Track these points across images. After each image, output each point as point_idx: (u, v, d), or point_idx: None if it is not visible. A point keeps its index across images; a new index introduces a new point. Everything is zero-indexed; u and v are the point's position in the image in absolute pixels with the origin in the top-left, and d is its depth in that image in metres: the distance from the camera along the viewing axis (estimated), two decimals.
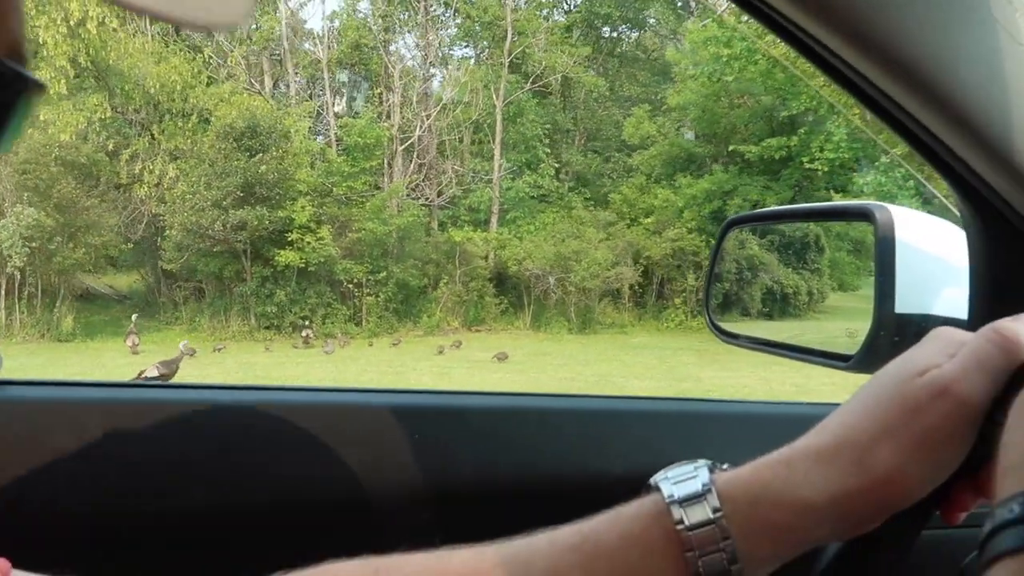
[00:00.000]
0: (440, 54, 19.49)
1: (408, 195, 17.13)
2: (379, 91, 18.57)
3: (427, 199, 17.66)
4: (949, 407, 0.42)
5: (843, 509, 0.43)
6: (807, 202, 14.33)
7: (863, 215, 0.76)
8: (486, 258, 16.22)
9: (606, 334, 15.40)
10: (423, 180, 17.75)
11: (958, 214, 0.72)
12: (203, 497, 0.80)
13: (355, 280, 14.94)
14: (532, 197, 17.78)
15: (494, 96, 17.71)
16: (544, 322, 15.75)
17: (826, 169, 14.85)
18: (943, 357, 0.44)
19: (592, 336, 15.20)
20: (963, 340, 0.45)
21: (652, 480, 0.46)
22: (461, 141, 18.33)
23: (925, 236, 0.75)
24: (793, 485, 0.43)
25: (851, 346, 0.73)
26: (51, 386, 0.84)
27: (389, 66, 18.02)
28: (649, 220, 16.65)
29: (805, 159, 15.26)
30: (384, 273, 15.07)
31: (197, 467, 0.81)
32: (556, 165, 18.39)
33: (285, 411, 0.85)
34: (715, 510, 0.43)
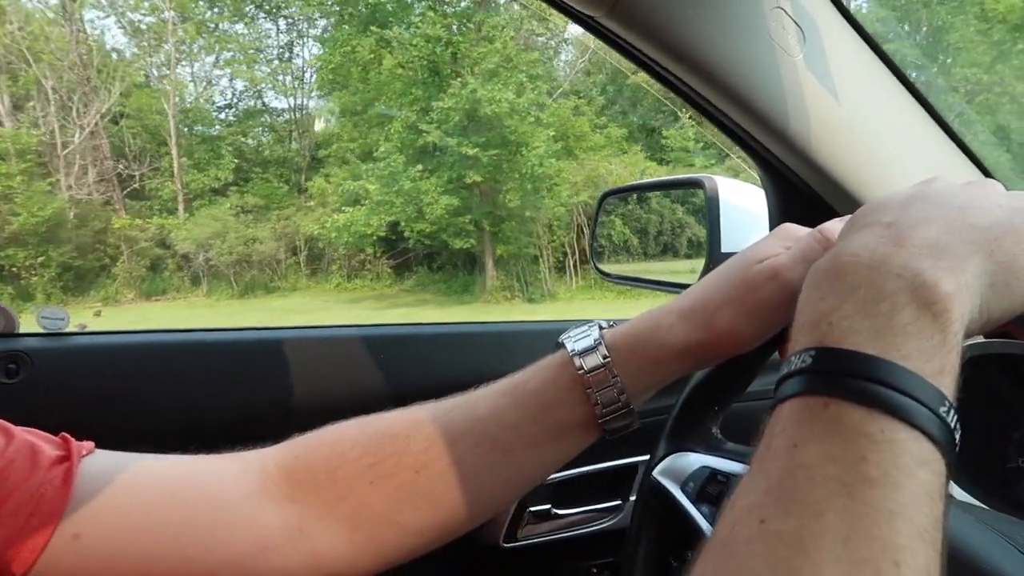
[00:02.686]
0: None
1: (86, 190, 18.64)
2: (34, 104, 19.33)
3: (90, 193, 19.04)
4: (777, 286, 0.49)
5: (695, 352, 0.52)
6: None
7: (697, 184, 0.94)
8: (152, 240, 18.05)
9: (265, 297, 17.23)
10: (78, 178, 18.97)
11: (759, 180, 0.90)
12: (208, 411, 0.99)
13: (19, 264, 16.66)
14: (214, 189, 19.19)
15: (167, 106, 19.08)
16: (216, 288, 17.75)
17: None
18: (780, 248, 0.52)
19: (248, 299, 17.21)
20: (798, 236, 0.52)
21: (560, 339, 0.54)
22: (165, 144, 19.64)
23: (739, 197, 0.91)
24: (659, 335, 0.52)
25: (693, 278, 0.93)
26: (100, 335, 0.99)
27: (43, 83, 18.78)
28: (311, 203, 18.45)
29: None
30: (44, 257, 16.83)
31: (203, 388, 1.00)
32: (236, 161, 19.74)
33: (260, 344, 1.05)
34: (604, 356, 0.52)
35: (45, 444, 0.51)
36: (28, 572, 0.45)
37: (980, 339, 0.68)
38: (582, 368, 0.52)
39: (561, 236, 15.83)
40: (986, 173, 0.85)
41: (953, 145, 0.83)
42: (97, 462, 0.51)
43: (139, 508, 0.49)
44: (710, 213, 0.90)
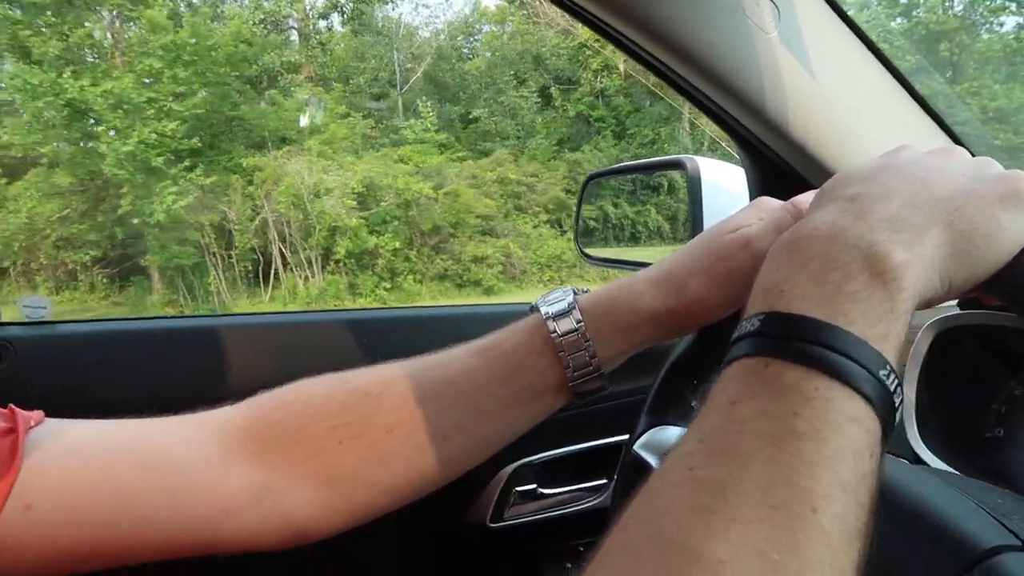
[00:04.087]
0: None
1: None
2: None
3: None
4: (748, 256, 0.50)
5: (666, 320, 0.52)
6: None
7: (678, 164, 0.93)
8: None
9: None
10: None
11: (738, 158, 0.89)
12: (190, 396, 0.96)
13: None
14: None
15: None
16: None
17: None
18: (754, 219, 0.52)
19: None
20: (772, 208, 0.53)
21: (534, 303, 0.54)
22: None
23: (719, 176, 0.90)
24: (631, 301, 0.52)
25: None
26: (81, 323, 0.99)
27: None
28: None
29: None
30: None
31: (186, 374, 0.99)
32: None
33: (242, 330, 1.04)
34: (577, 321, 0.51)
35: None
36: None
37: (955, 311, 0.67)
38: (555, 331, 0.51)
39: (247, 241, 12.90)
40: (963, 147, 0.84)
41: (929, 120, 0.83)
42: (48, 430, 0.48)
43: (93, 473, 0.47)
44: (692, 193, 0.90)
